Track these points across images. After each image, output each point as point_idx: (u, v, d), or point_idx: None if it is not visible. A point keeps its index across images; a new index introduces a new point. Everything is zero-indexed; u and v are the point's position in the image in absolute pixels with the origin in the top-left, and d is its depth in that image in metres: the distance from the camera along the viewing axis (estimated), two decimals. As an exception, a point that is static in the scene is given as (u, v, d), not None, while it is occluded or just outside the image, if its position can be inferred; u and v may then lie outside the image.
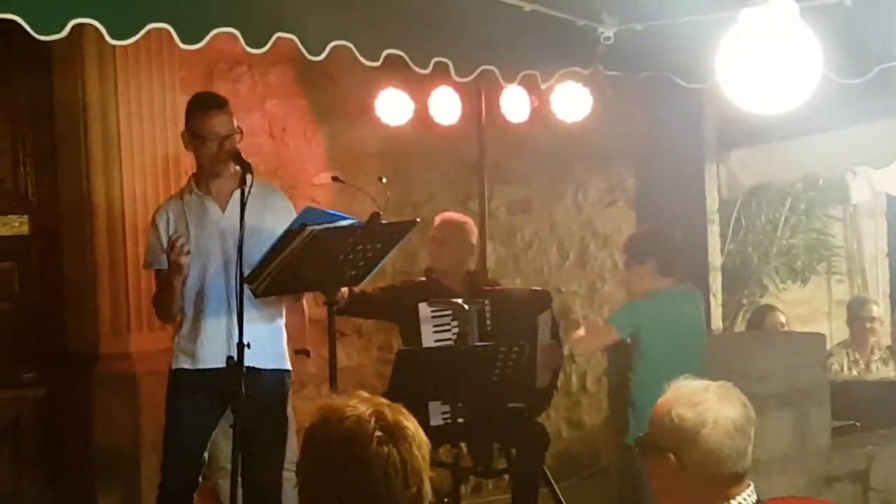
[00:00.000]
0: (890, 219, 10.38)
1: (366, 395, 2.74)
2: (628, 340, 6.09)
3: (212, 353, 5.45)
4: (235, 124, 5.52)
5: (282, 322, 5.69)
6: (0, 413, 6.02)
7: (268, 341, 5.58)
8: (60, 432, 6.73)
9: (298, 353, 6.05)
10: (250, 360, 5.31)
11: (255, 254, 5.33)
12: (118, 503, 6.79)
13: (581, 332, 6.42)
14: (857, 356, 8.91)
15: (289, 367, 5.71)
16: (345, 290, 5.93)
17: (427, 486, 2.66)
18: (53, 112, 6.95)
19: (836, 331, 9.60)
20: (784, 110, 3.07)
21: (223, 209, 5.57)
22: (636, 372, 6.04)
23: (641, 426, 5.66)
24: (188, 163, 6.67)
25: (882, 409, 6.81)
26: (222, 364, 5.31)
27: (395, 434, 2.62)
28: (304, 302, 5.96)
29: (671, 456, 3.22)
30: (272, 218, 5.53)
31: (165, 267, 5.48)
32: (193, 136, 5.52)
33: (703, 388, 3.28)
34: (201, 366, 5.51)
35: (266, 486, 5.58)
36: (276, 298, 5.61)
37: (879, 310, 9.27)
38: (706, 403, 3.22)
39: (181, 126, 6.71)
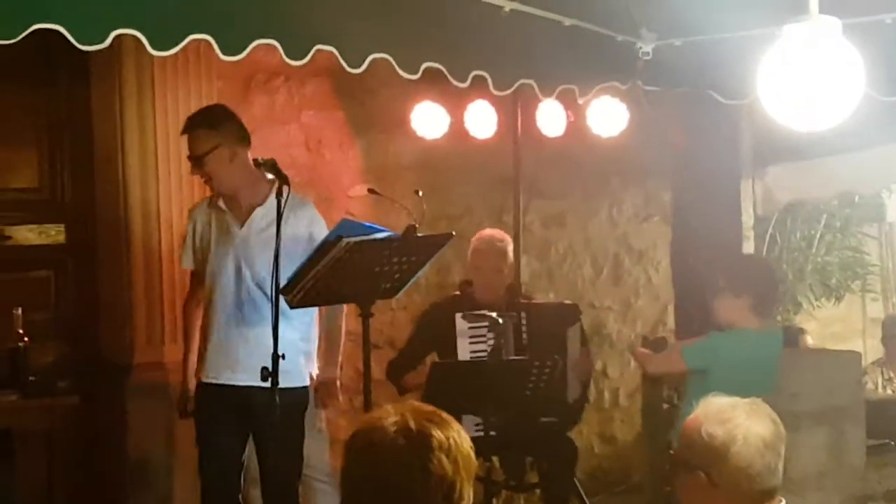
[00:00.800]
0: (926, 237, 10.34)
1: (412, 404, 2.76)
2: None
3: (226, 366, 5.57)
4: (210, 144, 5.55)
5: (299, 338, 5.71)
6: (35, 421, 6.00)
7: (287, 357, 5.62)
8: (94, 441, 6.75)
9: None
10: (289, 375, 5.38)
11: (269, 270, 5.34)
12: (151, 512, 6.83)
13: (646, 350, 6.35)
14: (892, 374, 8.85)
15: (307, 383, 5.76)
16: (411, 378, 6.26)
17: (462, 490, 2.67)
18: (91, 122, 6.97)
19: (870, 349, 9.54)
20: (826, 127, 3.05)
21: (241, 226, 5.65)
22: (690, 403, 5.96)
23: None
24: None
25: (918, 428, 6.78)
26: (238, 381, 5.49)
27: (416, 441, 2.64)
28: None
29: (702, 473, 3.22)
30: (293, 231, 5.56)
31: (186, 267, 5.71)
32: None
33: (732, 406, 3.28)
34: (222, 381, 5.60)
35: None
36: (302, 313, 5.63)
37: (916, 328, 9.22)
38: (735, 420, 3.22)
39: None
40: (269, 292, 5.30)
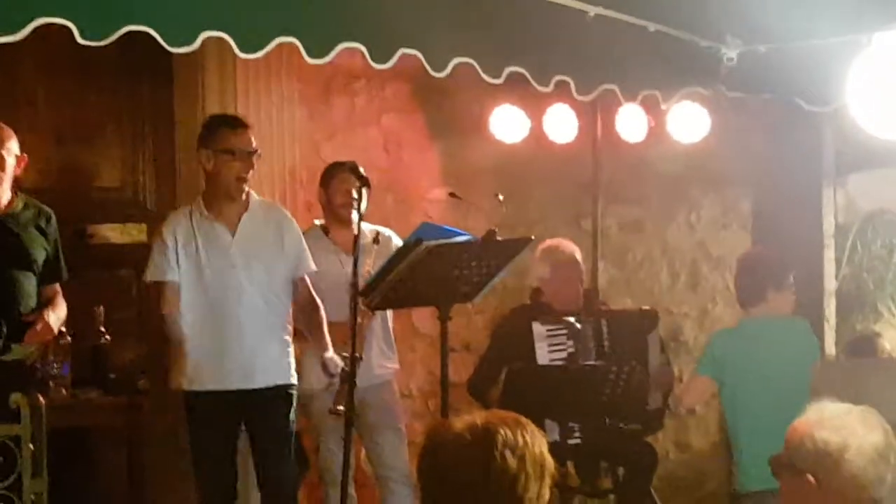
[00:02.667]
0: None
1: (492, 410, 2.80)
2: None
3: (231, 373, 5.59)
4: (254, 145, 5.65)
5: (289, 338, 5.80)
6: (114, 418, 6.08)
7: (279, 359, 5.72)
8: (172, 438, 6.80)
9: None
10: (267, 380, 5.60)
11: (263, 275, 5.61)
12: None
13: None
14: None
15: (294, 381, 5.81)
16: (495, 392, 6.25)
17: (529, 485, 2.67)
18: (173, 124, 7.03)
19: (953, 359, 9.43)
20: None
21: (232, 233, 5.67)
22: (727, 419, 5.94)
23: (744, 477, 5.59)
24: (305, 175, 6.76)
25: None
26: (240, 385, 5.55)
27: (480, 436, 2.67)
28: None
29: (810, 477, 3.19)
30: (279, 239, 5.71)
31: (169, 279, 5.60)
32: (221, 151, 5.62)
33: (847, 412, 3.25)
34: (222, 387, 5.61)
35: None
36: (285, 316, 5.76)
37: None
38: (850, 428, 3.19)
39: (299, 139, 6.88)
40: (268, 297, 5.58)
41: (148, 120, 7.02)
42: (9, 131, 5.25)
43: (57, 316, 5.31)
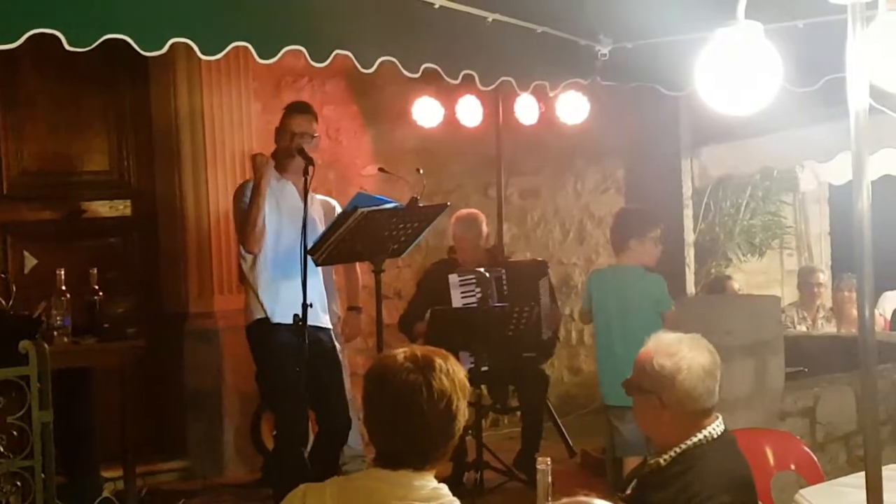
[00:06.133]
0: (831, 204, 10.34)
1: (419, 346, 2.84)
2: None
3: (286, 311, 5.34)
4: (314, 129, 5.59)
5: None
6: (109, 361, 6.02)
7: (322, 304, 5.62)
8: (157, 377, 6.78)
9: (351, 309, 6.08)
10: (316, 318, 5.41)
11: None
12: (204, 431, 6.87)
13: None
14: (805, 315, 8.90)
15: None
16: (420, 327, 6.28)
17: (458, 403, 2.70)
18: (151, 116, 6.97)
19: (787, 295, 9.57)
20: (750, 112, 3.06)
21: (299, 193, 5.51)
22: (597, 337, 5.80)
23: (606, 393, 5.58)
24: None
25: (826, 358, 6.80)
26: (290, 320, 5.29)
27: (421, 365, 2.68)
28: (359, 269, 5.98)
29: (654, 396, 3.24)
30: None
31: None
32: (279, 130, 5.60)
33: (678, 340, 3.29)
34: (277, 321, 5.43)
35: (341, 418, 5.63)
36: (330, 269, 5.66)
37: (824, 277, 9.26)
38: (681, 353, 3.24)
39: (255, 129, 6.84)
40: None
41: (129, 114, 6.93)
42: None
43: None
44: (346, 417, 5.65)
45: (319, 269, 5.51)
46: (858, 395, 5.74)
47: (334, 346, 5.73)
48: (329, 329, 5.70)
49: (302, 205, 5.24)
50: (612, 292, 5.60)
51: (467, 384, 2.75)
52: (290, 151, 5.48)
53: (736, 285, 8.50)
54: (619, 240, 5.67)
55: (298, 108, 5.67)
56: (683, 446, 3.22)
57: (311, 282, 5.25)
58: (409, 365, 2.68)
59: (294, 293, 5.24)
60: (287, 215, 5.50)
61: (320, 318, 5.56)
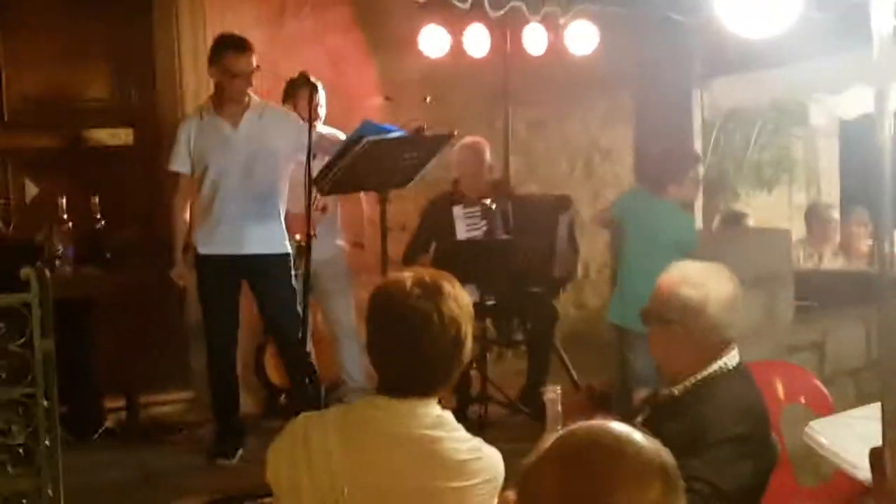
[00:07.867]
0: (841, 139, 10.23)
1: (425, 268, 2.74)
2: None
3: (230, 242, 5.65)
4: (252, 65, 5.63)
5: (281, 217, 5.78)
6: (111, 292, 5.98)
7: (274, 231, 5.72)
8: (159, 306, 6.74)
9: (355, 245, 6.03)
10: (261, 247, 5.63)
11: (263, 163, 5.61)
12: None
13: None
14: (813, 250, 8.83)
15: (289, 251, 5.80)
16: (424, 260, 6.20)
17: (466, 330, 2.64)
18: (153, 44, 6.89)
19: (795, 230, 9.48)
20: (770, 35, 2.97)
21: (235, 127, 5.66)
22: (623, 258, 5.92)
23: (624, 301, 5.60)
24: (266, 85, 6.61)
25: (834, 293, 6.77)
26: (237, 251, 5.62)
27: (430, 290, 2.61)
28: (364, 202, 5.92)
29: (677, 326, 3.18)
30: (277, 135, 5.65)
31: (183, 170, 5.72)
32: (225, 71, 5.60)
33: (703, 270, 3.23)
34: (223, 252, 5.67)
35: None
36: (278, 197, 5.74)
37: (833, 213, 9.18)
38: (708, 284, 3.18)
39: (260, 57, 6.70)
40: (269, 182, 5.60)
41: (131, 44, 6.86)
42: None
43: None
44: (293, 333, 5.63)
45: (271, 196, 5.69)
46: (869, 329, 5.69)
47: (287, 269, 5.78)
48: (275, 255, 5.74)
49: (232, 135, 5.51)
50: (644, 220, 5.63)
51: (472, 310, 2.69)
52: (243, 91, 5.61)
53: (751, 221, 8.44)
54: (656, 184, 5.68)
55: (234, 45, 5.63)
56: (699, 376, 3.18)
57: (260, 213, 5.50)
58: (418, 290, 2.61)
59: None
60: (229, 149, 5.66)
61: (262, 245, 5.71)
